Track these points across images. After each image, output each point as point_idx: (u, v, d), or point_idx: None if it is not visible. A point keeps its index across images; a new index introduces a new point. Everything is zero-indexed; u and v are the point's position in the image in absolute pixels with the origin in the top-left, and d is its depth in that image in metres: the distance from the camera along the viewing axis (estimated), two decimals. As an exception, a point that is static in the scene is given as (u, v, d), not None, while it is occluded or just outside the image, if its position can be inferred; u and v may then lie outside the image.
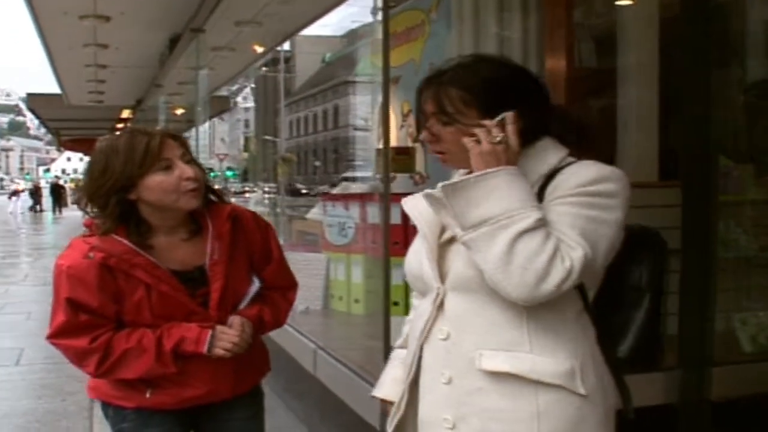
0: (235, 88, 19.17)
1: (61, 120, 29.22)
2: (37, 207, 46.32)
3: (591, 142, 2.25)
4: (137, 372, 2.67)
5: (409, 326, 2.35)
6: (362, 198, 7.46)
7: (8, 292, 14.03)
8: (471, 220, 1.94)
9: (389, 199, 5.00)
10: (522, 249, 1.88)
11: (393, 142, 9.01)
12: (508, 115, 1.98)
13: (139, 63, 15.97)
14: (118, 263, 2.60)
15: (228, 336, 2.71)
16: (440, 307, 2.09)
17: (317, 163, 64.96)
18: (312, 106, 64.26)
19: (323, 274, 7.57)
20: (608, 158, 2.16)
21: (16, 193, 47.49)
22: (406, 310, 2.49)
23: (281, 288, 3.02)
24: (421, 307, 2.20)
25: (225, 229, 2.75)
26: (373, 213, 7.20)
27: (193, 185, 2.63)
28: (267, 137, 39.80)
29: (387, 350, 4.52)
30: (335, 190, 8.85)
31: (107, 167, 2.60)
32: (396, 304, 7.32)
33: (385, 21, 5.02)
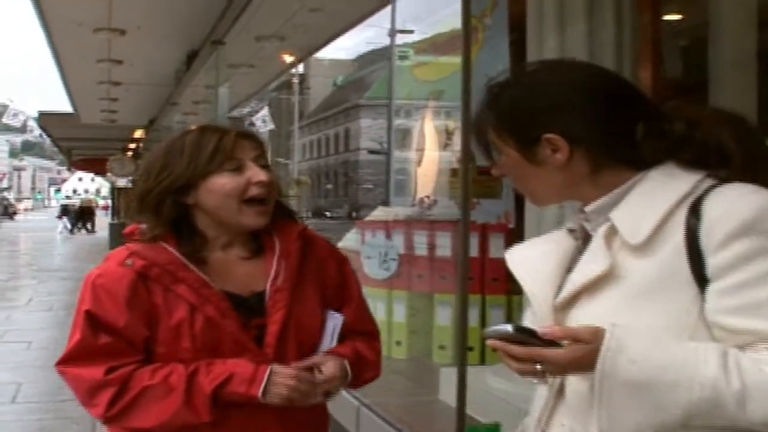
0: (246, 110, 19.20)
1: (72, 139, 29.47)
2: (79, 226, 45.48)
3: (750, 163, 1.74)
4: (157, 418, 2.32)
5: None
6: (408, 225, 6.75)
7: (9, 318, 13.47)
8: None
9: (468, 228, 4.26)
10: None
11: (432, 165, 8.45)
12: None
13: (153, 80, 15.96)
14: (160, 275, 2.35)
15: (287, 377, 2.36)
16: (560, 392, 1.79)
17: (329, 186, 65.83)
18: (324, 129, 65.49)
19: (360, 312, 6.85)
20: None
21: (66, 212, 46.62)
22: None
23: (363, 334, 2.66)
24: (540, 387, 1.90)
25: (294, 249, 2.49)
26: (420, 242, 6.69)
27: (263, 192, 2.41)
28: (280, 159, 39.79)
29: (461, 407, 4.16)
30: (372, 216, 8.18)
31: (167, 165, 2.42)
32: (442, 347, 6.80)
33: (466, 11, 4.23)
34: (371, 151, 44.51)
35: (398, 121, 31.31)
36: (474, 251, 6.74)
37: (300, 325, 2.48)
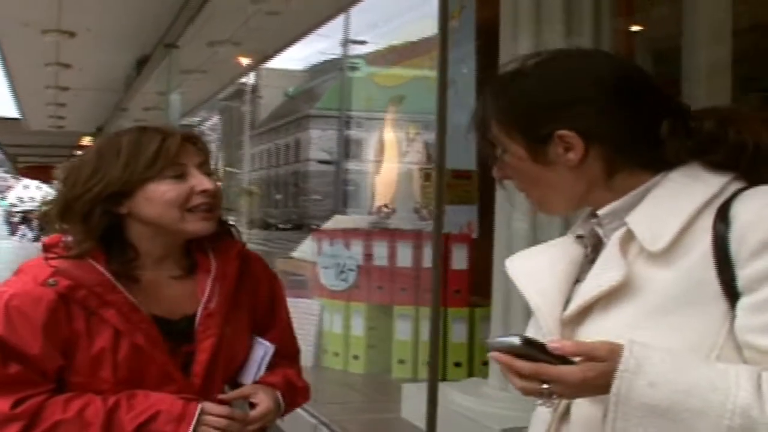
0: (197, 119, 18.97)
1: (18, 146, 28.98)
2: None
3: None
4: None
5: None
6: (368, 235, 6.56)
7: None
8: None
9: (441, 238, 3.99)
10: None
11: (391, 172, 8.27)
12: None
13: (103, 85, 15.52)
14: (86, 297, 2.13)
15: (218, 415, 2.19)
16: (564, 416, 1.62)
17: (278, 196, 65.75)
18: (275, 138, 65.45)
19: (315, 324, 6.86)
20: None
21: (26, 219, 45.28)
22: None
23: (286, 357, 2.52)
24: (538, 408, 1.72)
25: (231, 270, 2.32)
26: (381, 253, 6.54)
27: (207, 201, 2.22)
28: (230, 169, 39.53)
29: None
30: (328, 225, 7.98)
31: (99, 168, 2.20)
32: (402, 362, 6.63)
33: (443, 14, 4.07)
34: (321, 161, 44.43)
35: (352, 131, 30.98)
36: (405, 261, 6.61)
37: (230, 354, 2.35)
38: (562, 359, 1.41)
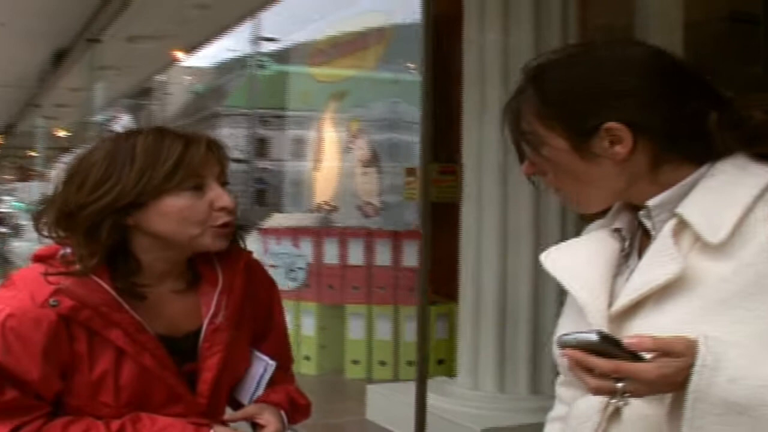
0: (104, 117, 18.52)
1: None
2: None
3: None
4: None
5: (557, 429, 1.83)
6: (317, 233, 6.41)
7: None
8: None
9: (429, 232, 4.03)
10: None
11: (332, 169, 8.14)
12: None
13: (14, 81, 15.01)
14: (90, 318, 1.96)
15: None
16: (615, 414, 1.55)
17: None
18: (183, 138, 65.17)
19: (263, 324, 6.54)
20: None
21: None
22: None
23: (282, 367, 2.37)
24: (580, 406, 1.64)
25: (239, 282, 2.15)
26: (331, 251, 6.37)
27: (227, 219, 2.05)
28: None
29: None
30: (270, 224, 7.79)
31: (109, 175, 1.97)
32: (355, 362, 6.51)
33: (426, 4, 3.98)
34: (235, 160, 44.31)
35: (260, 130, 30.72)
36: (386, 260, 6.50)
37: (233, 371, 2.22)
38: (634, 355, 1.36)
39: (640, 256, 1.59)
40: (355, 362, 6.48)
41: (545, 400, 4.62)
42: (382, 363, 6.45)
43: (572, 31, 4.74)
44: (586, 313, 1.58)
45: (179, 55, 12.54)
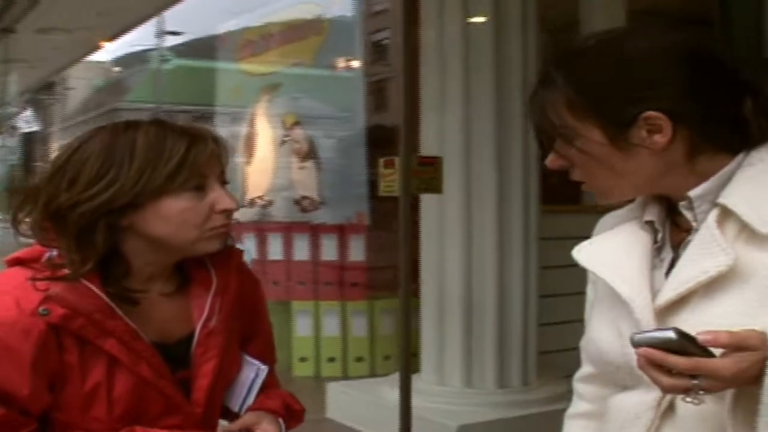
0: (8, 111, 17.95)
1: None
2: None
3: None
4: None
5: (584, 431, 1.83)
6: (260, 228, 6.27)
7: None
8: None
9: (410, 224, 3.80)
10: None
11: (266, 163, 7.97)
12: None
13: None
14: (83, 327, 1.82)
15: None
16: (668, 410, 1.54)
17: None
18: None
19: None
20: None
21: None
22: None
23: (270, 369, 2.26)
24: (625, 403, 1.63)
25: (233, 284, 2.03)
26: (276, 247, 6.29)
27: (226, 221, 1.92)
28: (38, 164, 37.92)
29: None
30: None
31: (105, 172, 1.82)
32: (303, 360, 6.40)
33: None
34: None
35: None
36: (332, 254, 6.40)
37: (227, 376, 2.10)
38: (705, 351, 1.34)
39: (672, 248, 1.58)
40: (303, 360, 6.37)
41: (513, 394, 4.66)
42: (331, 359, 6.36)
43: (531, 15, 4.72)
44: (633, 308, 1.56)
45: (95, 47, 12.23)
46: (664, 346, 1.33)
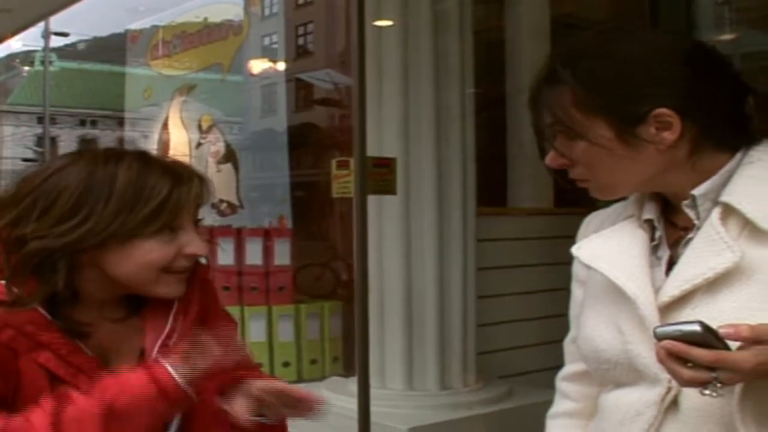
0: None
1: None
2: None
3: None
4: None
5: (570, 430, 1.85)
6: (211, 233, 6.12)
7: None
8: None
9: (365, 227, 3.90)
10: None
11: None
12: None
13: None
14: (13, 340, 1.70)
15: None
16: (671, 406, 1.55)
17: None
18: (-39, 136, 61.56)
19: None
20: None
21: None
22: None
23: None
24: (622, 400, 1.64)
25: (195, 302, 1.89)
26: (227, 252, 6.21)
27: (188, 264, 1.81)
28: None
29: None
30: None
31: (82, 207, 1.71)
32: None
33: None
34: (26, 159, 42.15)
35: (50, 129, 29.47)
36: (257, 258, 6.31)
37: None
38: (725, 344, 1.36)
39: (669, 246, 1.60)
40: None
41: (456, 396, 4.66)
42: (258, 365, 6.24)
43: (467, 24, 4.75)
44: (638, 305, 1.56)
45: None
46: (688, 338, 1.34)
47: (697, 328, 1.34)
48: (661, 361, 1.38)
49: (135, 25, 8.58)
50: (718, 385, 1.35)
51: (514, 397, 4.64)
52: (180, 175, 1.75)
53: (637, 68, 1.57)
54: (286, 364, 6.23)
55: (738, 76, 1.63)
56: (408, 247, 4.64)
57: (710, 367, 1.34)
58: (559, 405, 1.91)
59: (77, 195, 1.70)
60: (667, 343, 1.35)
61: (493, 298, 5.21)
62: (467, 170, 4.74)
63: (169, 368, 1.66)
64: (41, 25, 26.78)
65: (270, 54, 7.23)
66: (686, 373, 1.36)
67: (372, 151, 4.53)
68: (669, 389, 1.55)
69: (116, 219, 1.69)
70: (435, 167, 4.61)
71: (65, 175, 1.72)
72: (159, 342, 1.82)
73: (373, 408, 4.42)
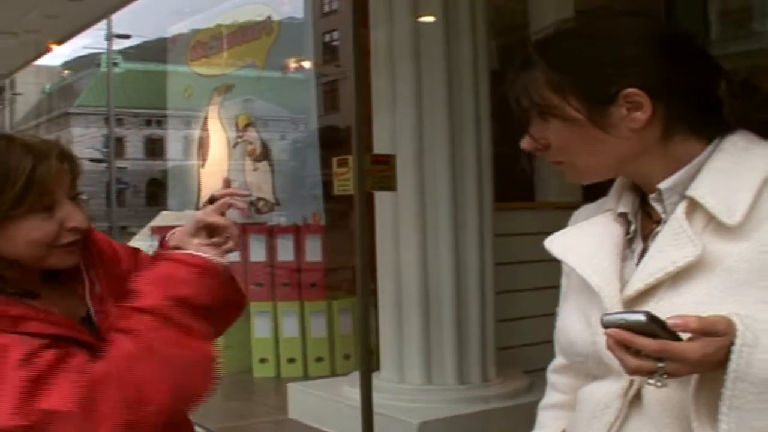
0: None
1: None
2: None
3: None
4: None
5: (558, 421, 1.83)
6: (244, 230, 6.22)
7: None
8: None
9: (367, 223, 3.78)
10: None
11: (220, 165, 7.92)
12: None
13: None
14: None
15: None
16: (635, 399, 1.55)
17: None
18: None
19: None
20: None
21: None
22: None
23: None
24: (595, 393, 1.64)
25: (93, 252, 2.00)
26: (259, 249, 6.38)
27: (75, 238, 1.87)
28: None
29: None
30: (154, 222, 7.50)
31: None
32: (263, 361, 6.36)
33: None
34: (93, 160, 42.86)
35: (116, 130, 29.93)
36: (289, 255, 6.38)
37: None
38: (675, 335, 1.36)
39: (643, 239, 1.60)
40: (263, 360, 6.35)
41: (473, 390, 4.68)
42: (291, 360, 6.34)
43: (480, 16, 4.73)
44: (602, 297, 1.57)
45: (43, 50, 12.02)
46: (634, 327, 1.36)
47: (641, 317, 1.36)
48: (609, 348, 1.39)
49: (174, 28, 8.71)
50: (665, 375, 1.37)
51: (534, 392, 4.60)
52: (38, 150, 1.80)
53: (607, 48, 1.57)
54: (319, 359, 6.31)
55: (714, 61, 1.62)
56: (424, 242, 4.66)
57: (658, 358, 1.36)
58: (549, 397, 1.92)
59: None
60: (611, 330, 1.37)
61: (520, 293, 5.20)
62: (483, 165, 4.73)
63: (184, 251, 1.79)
64: (104, 28, 27.28)
65: (330, 51, 7.29)
66: (633, 361, 1.37)
67: (386, 148, 4.58)
68: (632, 382, 1.56)
69: None
70: (449, 164, 4.62)
71: None
72: (88, 295, 1.91)
73: (392, 402, 4.48)
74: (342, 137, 7.36)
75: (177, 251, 1.85)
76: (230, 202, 1.96)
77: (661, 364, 1.35)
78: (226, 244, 1.91)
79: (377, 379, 4.77)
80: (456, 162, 4.64)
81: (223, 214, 1.95)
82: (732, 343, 1.33)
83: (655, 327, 1.34)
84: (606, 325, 1.37)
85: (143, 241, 7.09)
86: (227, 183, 2.07)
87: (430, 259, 4.66)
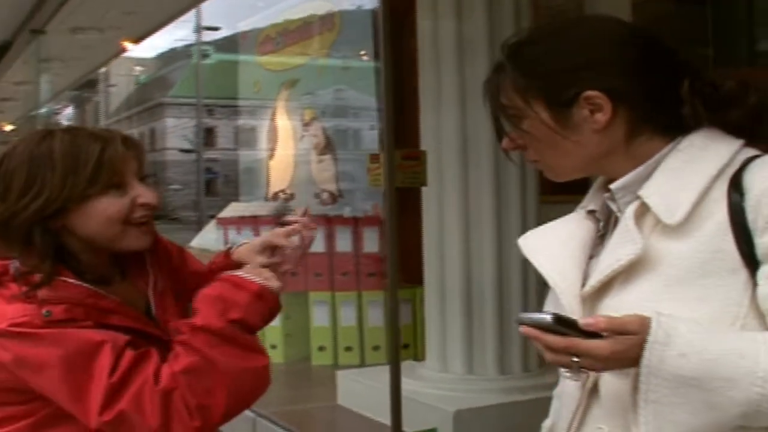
0: (44, 110, 17.93)
1: None
2: None
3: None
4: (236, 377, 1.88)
5: (558, 405, 1.86)
6: (277, 222, 6.36)
7: None
8: None
9: (395, 219, 4.06)
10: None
11: (287, 158, 8.09)
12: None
13: None
14: (87, 314, 1.92)
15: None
16: (593, 392, 1.62)
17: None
18: (128, 128, 63.79)
19: (227, 316, 6.49)
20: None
21: None
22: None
23: None
24: (569, 384, 1.67)
25: (158, 250, 2.25)
26: (319, 239, 6.22)
27: (148, 214, 2.06)
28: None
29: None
30: (224, 213, 7.71)
31: (33, 180, 1.97)
32: (321, 349, 6.51)
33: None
34: (183, 150, 43.57)
35: (206, 120, 30.44)
36: (347, 246, 6.50)
37: None
38: (594, 334, 1.41)
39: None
40: (321, 349, 6.49)
41: (514, 380, 4.74)
42: (348, 348, 6.46)
43: (525, 15, 4.76)
44: (558, 294, 1.63)
45: (125, 45, 12.32)
46: (542, 327, 1.43)
47: (546, 317, 1.42)
48: (533, 343, 1.47)
49: (245, 24, 8.89)
50: (582, 369, 1.43)
51: (574, 382, 4.61)
52: (104, 136, 1.99)
53: (568, 53, 1.62)
54: (375, 348, 6.42)
55: (684, 62, 1.65)
56: (467, 233, 4.73)
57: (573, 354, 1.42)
58: (560, 385, 1.93)
59: (26, 171, 1.95)
60: (522, 328, 1.44)
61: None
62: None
63: (242, 274, 1.94)
64: (193, 20, 27.69)
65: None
66: (549, 355, 1.44)
67: (431, 142, 4.67)
68: (589, 375, 1.59)
69: (65, 183, 1.94)
70: (493, 156, 4.68)
71: (13, 159, 1.98)
72: (150, 288, 2.11)
73: (433, 391, 4.59)
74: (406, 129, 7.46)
75: (238, 273, 1.98)
76: (299, 230, 2.14)
77: (576, 360, 1.41)
78: (285, 266, 2.11)
79: (422, 369, 4.88)
80: (499, 155, 4.67)
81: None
82: (646, 341, 1.38)
83: (562, 327, 1.41)
84: (517, 323, 1.46)
85: (210, 234, 7.28)
86: (305, 212, 2.28)
87: (473, 250, 4.73)
